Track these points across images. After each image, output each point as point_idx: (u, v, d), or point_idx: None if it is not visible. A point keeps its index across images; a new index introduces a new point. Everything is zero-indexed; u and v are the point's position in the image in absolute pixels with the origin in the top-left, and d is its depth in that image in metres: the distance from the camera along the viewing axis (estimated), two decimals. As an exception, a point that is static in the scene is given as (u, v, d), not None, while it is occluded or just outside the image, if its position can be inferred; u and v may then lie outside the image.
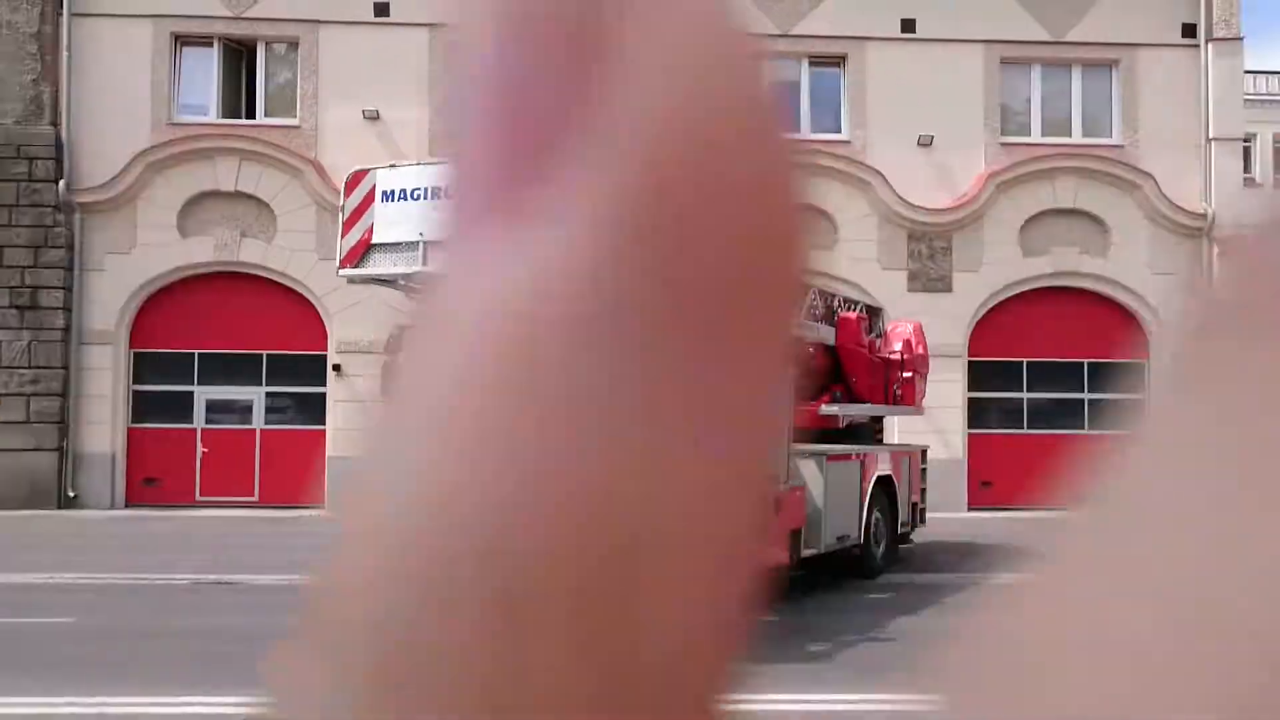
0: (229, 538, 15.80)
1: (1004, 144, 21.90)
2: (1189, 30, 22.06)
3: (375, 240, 9.29)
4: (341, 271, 9.83)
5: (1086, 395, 21.91)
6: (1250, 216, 0.18)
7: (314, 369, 20.73)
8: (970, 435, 21.61)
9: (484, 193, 0.22)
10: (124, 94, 20.57)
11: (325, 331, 20.52)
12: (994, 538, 16.31)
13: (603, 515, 0.19)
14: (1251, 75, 29.99)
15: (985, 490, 21.39)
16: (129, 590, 11.83)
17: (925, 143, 21.56)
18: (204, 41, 21.27)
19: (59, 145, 20.46)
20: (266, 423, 20.51)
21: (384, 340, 10.04)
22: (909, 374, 14.60)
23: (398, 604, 0.18)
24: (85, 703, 7.19)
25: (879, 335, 14.88)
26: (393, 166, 9.46)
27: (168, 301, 20.22)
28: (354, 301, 17.88)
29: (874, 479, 13.00)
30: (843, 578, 12.31)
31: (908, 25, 21.79)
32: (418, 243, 9.17)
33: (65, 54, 20.61)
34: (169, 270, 20.41)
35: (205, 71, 21.34)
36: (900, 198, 21.42)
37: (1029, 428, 21.92)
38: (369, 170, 9.52)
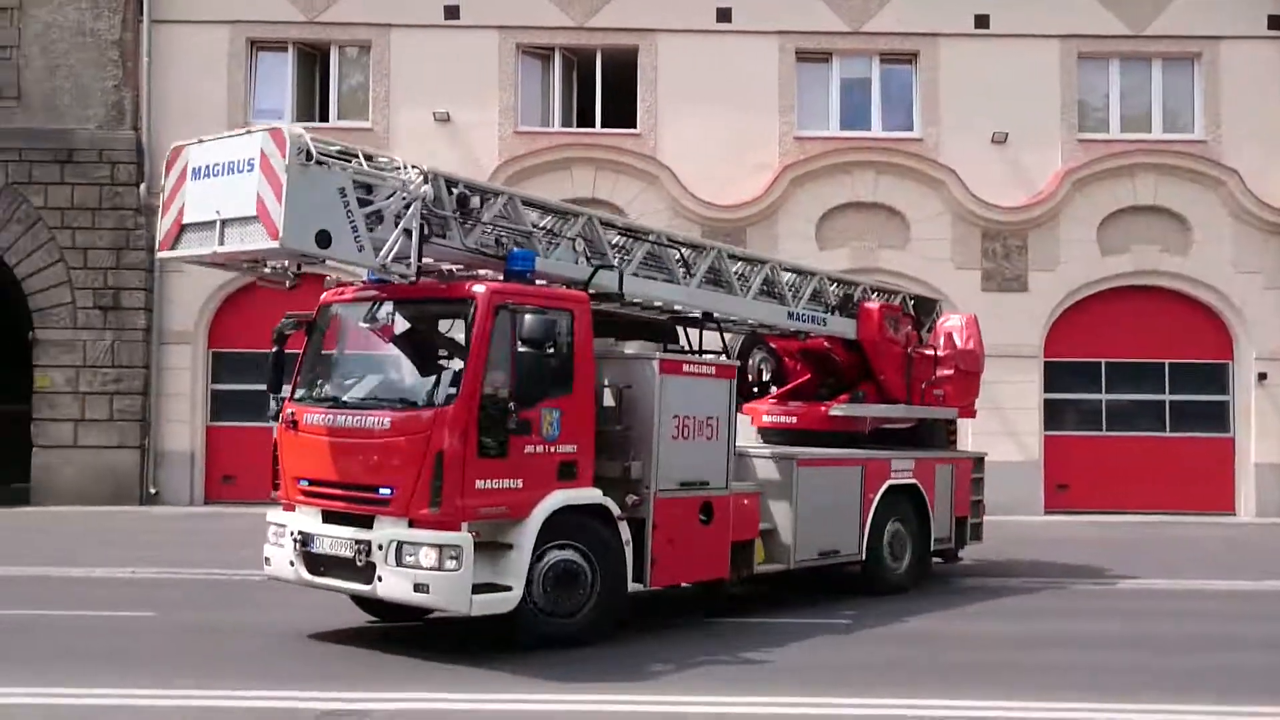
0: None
1: (1081, 140, 21.43)
2: (1275, 22, 21.40)
3: (185, 220, 8.47)
4: (160, 255, 8.89)
5: (1168, 397, 21.39)
6: None
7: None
8: (1047, 437, 21.18)
9: None
10: (202, 98, 20.94)
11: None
12: (1064, 553, 15.98)
13: None
14: (1340, 67, 29.00)
15: (1062, 493, 20.98)
16: (208, 585, 12.01)
17: (1000, 140, 21.18)
18: (279, 46, 21.60)
19: (139, 149, 20.91)
20: None
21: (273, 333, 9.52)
22: (948, 371, 13.22)
23: None
24: (166, 695, 7.31)
25: (928, 329, 13.86)
26: (200, 141, 8.47)
27: (245, 302, 20.53)
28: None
29: (884, 488, 11.74)
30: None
31: (981, 20, 21.42)
32: (214, 222, 8.24)
33: (145, 60, 21.05)
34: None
35: (280, 75, 21.67)
36: (974, 196, 21.07)
37: (1108, 430, 21.43)
38: (184, 147, 8.61)
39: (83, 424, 20.37)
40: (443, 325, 9.13)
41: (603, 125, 21.60)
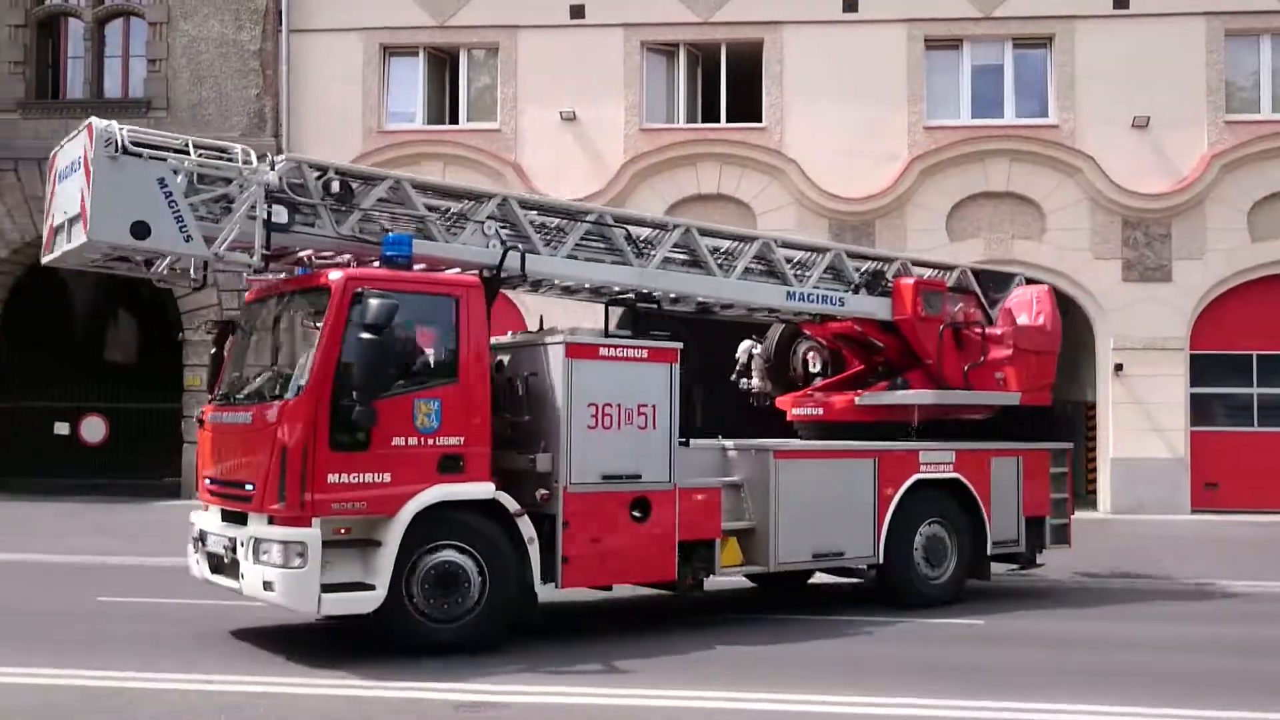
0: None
1: (1229, 122, 20.47)
2: None
3: (53, 225, 8.29)
4: (44, 261, 8.66)
5: (1325, 390, 20.30)
6: None
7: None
8: (1193, 433, 20.32)
9: None
10: (337, 104, 21.62)
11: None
12: (1206, 554, 15.28)
13: None
14: None
15: (1210, 492, 20.10)
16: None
17: (1140, 124, 20.38)
18: (410, 51, 22.11)
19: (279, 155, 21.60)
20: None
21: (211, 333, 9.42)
22: (1005, 351, 11.62)
23: None
24: (312, 684, 7.51)
25: (1000, 305, 12.21)
26: (62, 146, 8.28)
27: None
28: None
29: (910, 483, 10.48)
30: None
31: (1120, 0, 20.65)
32: (64, 224, 8.12)
33: (284, 69, 21.80)
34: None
35: (411, 80, 22.19)
36: (1113, 183, 20.32)
37: (1260, 425, 20.45)
38: (57, 151, 8.41)
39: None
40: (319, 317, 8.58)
41: (727, 120, 21.51)
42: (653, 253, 10.12)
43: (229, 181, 8.22)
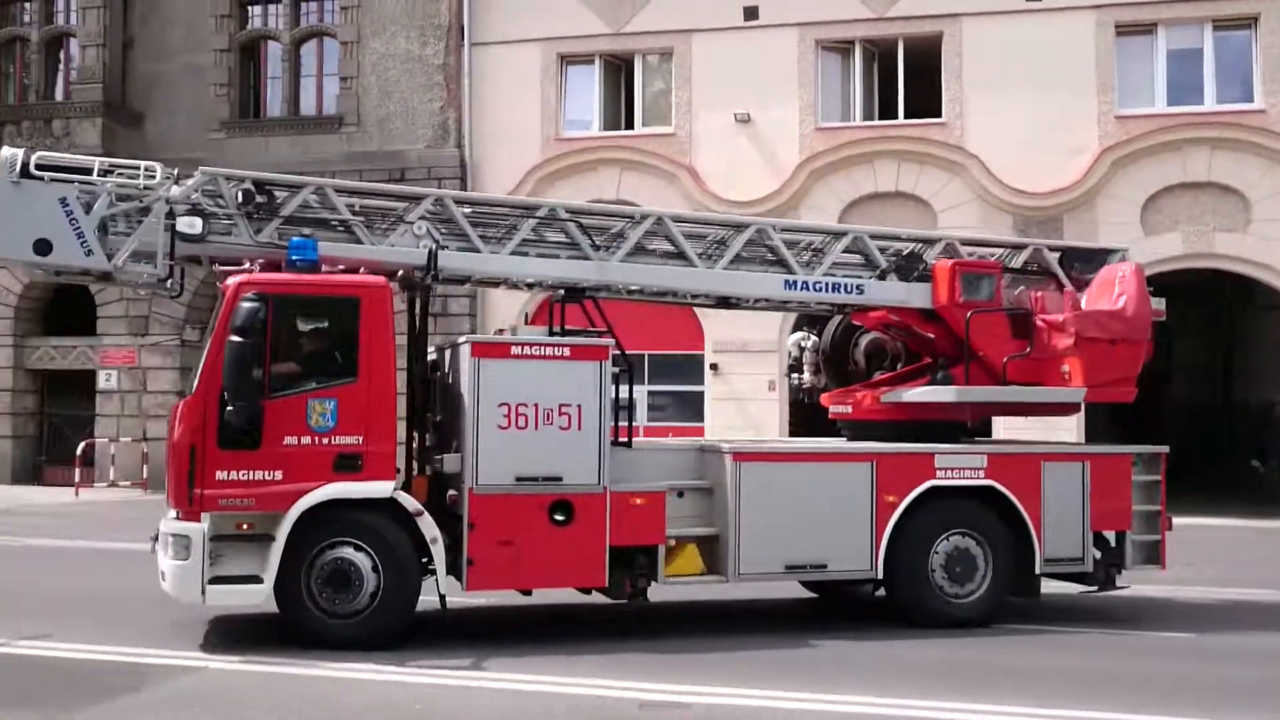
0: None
1: None
2: None
3: None
4: None
5: None
6: None
7: (692, 368, 21.44)
8: None
9: None
10: (516, 114, 22.17)
11: (702, 332, 21.10)
12: None
13: None
14: None
15: None
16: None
17: (1358, 105, 19.01)
18: (586, 59, 22.50)
19: (463, 165, 22.36)
20: (649, 420, 21.34)
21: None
22: (1066, 341, 10.03)
23: None
24: (467, 677, 7.65)
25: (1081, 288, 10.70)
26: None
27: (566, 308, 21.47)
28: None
29: (922, 490, 9.41)
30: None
31: (1333, -25, 19.32)
32: None
33: (466, 81, 22.50)
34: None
35: (587, 88, 22.57)
36: (1328, 169, 19.02)
37: None
38: None
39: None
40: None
41: (905, 117, 21.09)
42: (617, 246, 9.75)
43: (135, 199, 8.78)
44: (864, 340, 11.26)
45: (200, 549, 8.10)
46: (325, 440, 8.38)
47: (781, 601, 10.73)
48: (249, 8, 23.99)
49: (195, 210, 8.85)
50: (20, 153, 8.75)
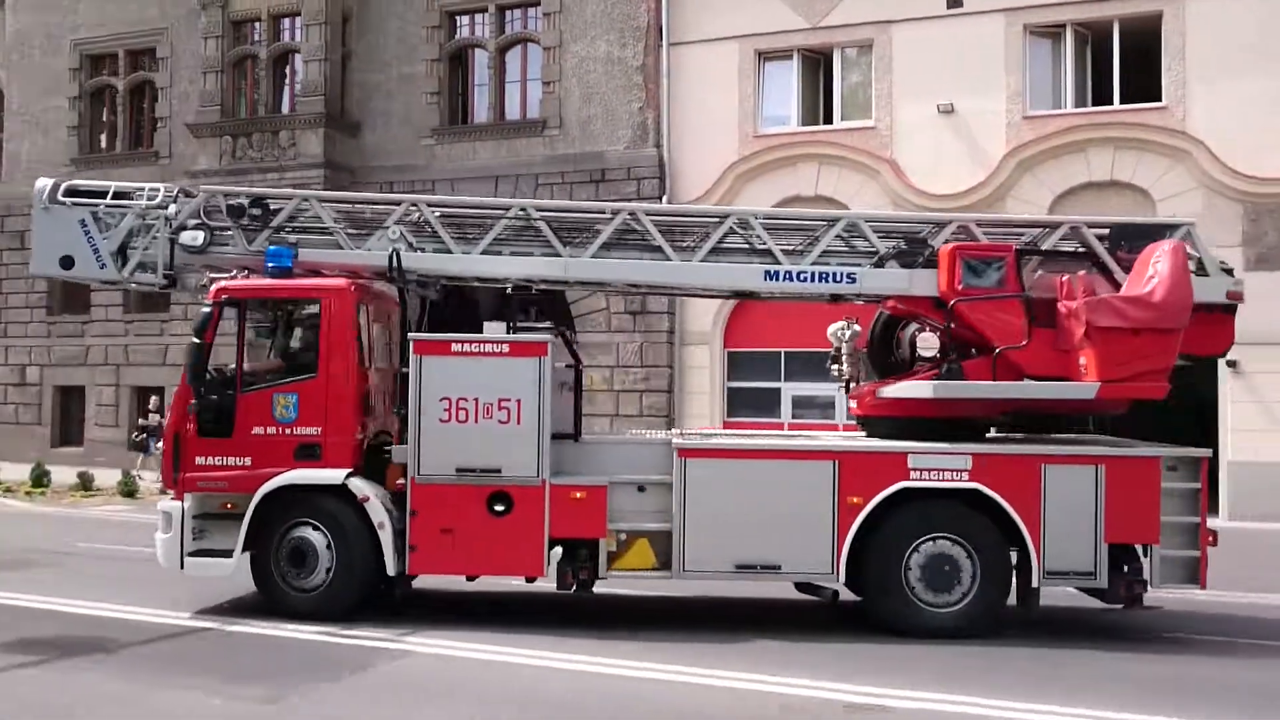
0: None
1: None
2: None
3: None
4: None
5: None
6: None
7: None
8: None
9: None
10: (714, 112, 22.22)
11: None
12: None
13: None
14: None
15: None
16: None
17: None
18: (783, 55, 22.35)
19: (661, 165, 22.59)
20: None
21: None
22: (1078, 331, 9.05)
23: None
24: (684, 672, 7.76)
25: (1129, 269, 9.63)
26: None
27: (754, 305, 21.46)
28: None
29: (892, 492, 8.93)
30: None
31: None
32: None
33: (664, 81, 22.70)
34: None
35: (785, 83, 22.41)
36: None
37: None
38: None
39: (617, 418, 22.38)
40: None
41: (1121, 102, 20.05)
42: (591, 241, 9.97)
43: (140, 217, 10.19)
44: (911, 329, 10.40)
45: (178, 524, 9.42)
46: (288, 431, 9.48)
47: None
48: (457, 18, 24.88)
49: (200, 225, 10.19)
50: (50, 182, 10.40)
